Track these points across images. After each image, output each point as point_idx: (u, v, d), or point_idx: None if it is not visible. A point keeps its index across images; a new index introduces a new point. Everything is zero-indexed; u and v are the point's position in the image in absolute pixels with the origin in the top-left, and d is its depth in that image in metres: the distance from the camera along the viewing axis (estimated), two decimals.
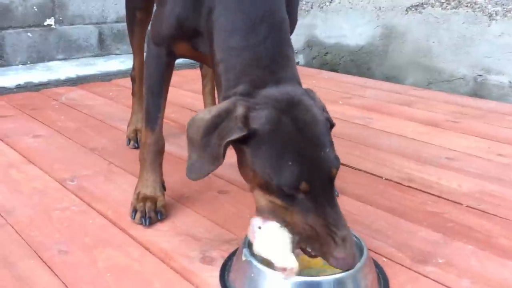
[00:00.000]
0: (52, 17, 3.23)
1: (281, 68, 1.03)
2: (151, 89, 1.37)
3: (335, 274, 0.99)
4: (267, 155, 0.94)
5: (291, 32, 1.35)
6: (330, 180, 0.94)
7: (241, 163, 1.01)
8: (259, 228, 0.98)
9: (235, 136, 0.95)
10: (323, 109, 1.04)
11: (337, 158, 0.97)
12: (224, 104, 0.99)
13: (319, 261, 1.11)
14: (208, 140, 0.97)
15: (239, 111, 0.95)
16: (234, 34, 1.06)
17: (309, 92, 1.04)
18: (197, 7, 1.15)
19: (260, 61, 1.03)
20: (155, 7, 1.87)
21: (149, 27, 1.90)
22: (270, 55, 1.03)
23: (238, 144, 0.97)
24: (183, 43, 1.25)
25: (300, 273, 0.98)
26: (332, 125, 1.03)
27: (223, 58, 1.07)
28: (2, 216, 1.36)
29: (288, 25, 1.12)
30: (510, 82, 2.65)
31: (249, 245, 1.07)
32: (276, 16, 1.08)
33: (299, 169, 0.92)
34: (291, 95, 0.98)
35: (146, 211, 1.32)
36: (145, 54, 1.54)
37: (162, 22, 1.26)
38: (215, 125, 0.97)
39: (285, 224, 0.96)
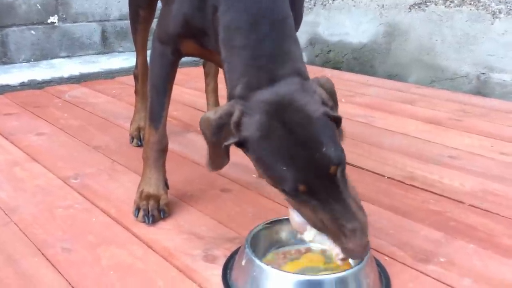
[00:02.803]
0: (56, 15, 3.23)
1: (280, 65, 1.01)
2: (155, 88, 1.37)
3: (337, 272, 1.00)
4: (261, 161, 0.96)
5: (297, 29, 1.35)
6: (329, 177, 0.94)
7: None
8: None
9: (229, 142, 0.97)
10: (325, 102, 0.98)
11: (337, 153, 0.95)
12: (226, 107, 1.00)
13: (321, 259, 1.12)
14: (217, 140, 0.99)
15: (234, 117, 0.96)
16: (236, 32, 1.06)
17: (311, 84, 1.00)
18: (203, 5, 1.15)
19: (257, 60, 1.02)
20: (158, 5, 1.89)
21: (152, 25, 1.92)
22: (268, 54, 1.02)
23: (238, 147, 0.98)
24: (190, 41, 1.25)
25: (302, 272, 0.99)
26: (336, 118, 0.99)
27: (227, 57, 1.07)
28: (6, 214, 1.36)
29: (292, 21, 1.11)
30: None
31: (251, 243, 1.08)
32: (279, 13, 1.07)
33: (293, 173, 0.92)
34: (282, 96, 0.96)
35: (149, 209, 1.33)
36: (148, 52, 1.54)
37: (169, 20, 1.26)
38: (220, 126, 0.98)
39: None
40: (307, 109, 0.95)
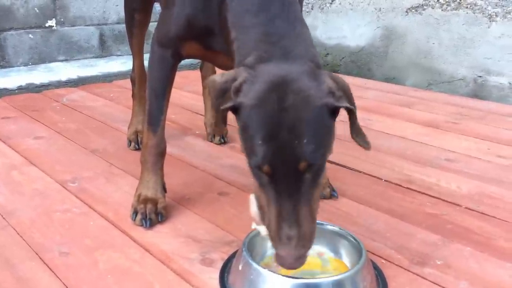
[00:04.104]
0: (54, 19, 3.24)
1: (293, 45, 1.00)
2: (154, 91, 1.37)
3: (334, 276, 1.00)
4: (245, 129, 0.93)
5: None
6: (296, 171, 0.89)
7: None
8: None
9: (226, 105, 0.94)
10: (332, 91, 0.93)
11: (314, 153, 0.89)
12: (232, 72, 0.98)
13: (318, 262, 1.12)
14: (220, 103, 0.97)
15: (236, 82, 0.95)
16: (246, 13, 1.06)
17: (322, 73, 0.96)
18: (207, 3, 1.15)
19: (269, 36, 1.01)
20: (153, 9, 1.90)
21: (148, 29, 1.93)
22: (280, 32, 1.01)
23: (233, 112, 0.96)
24: (193, 42, 1.25)
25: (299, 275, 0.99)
26: (335, 108, 0.94)
27: (236, 36, 1.06)
28: (3, 218, 1.36)
29: (299, 6, 1.11)
30: (510, 83, 2.65)
31: (249, 247, 1.08)
32: None
33: (264, 151, 0.88)
34: (289, 73, 0.93)
35: (147, 212, 1.33)
36: (145, 56, 1.55)
37: (170, 23, 1.26)
38: (224, 90, 0.97)
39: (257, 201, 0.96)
40: (309, 94, 0.91)
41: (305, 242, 0.90)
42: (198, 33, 1.21)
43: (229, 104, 0.94)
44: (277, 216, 0.90)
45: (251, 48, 1.01)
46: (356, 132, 1.02)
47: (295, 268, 0.91)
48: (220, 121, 1.00)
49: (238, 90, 0.94)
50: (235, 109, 0.94)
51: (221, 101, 0.97)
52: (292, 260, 0.89)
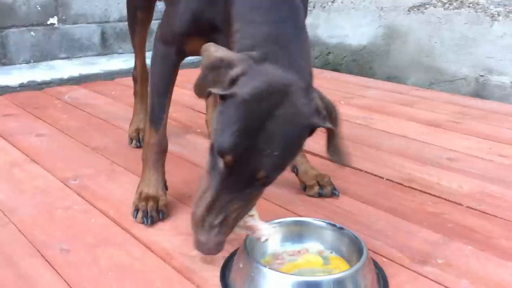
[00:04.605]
0: (55, 16, 3.24)
1: (298, 53, 1.00)
2: (156, 89, 1.37)
3: (335, 274, 1.00)
4: (228, 114, 0.92)
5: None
6: (251, 175, 0.91)
7: (214, 112, 0.99)
8: None
9: (216, 92, 0.93)
10: (319, 111, 0.95)
11: (275, 171, 0.92)
12: (231, 55, 0.96)
13: (319, 261, 1.12)
14: (206, 75, 0.97)
15: (233, 72, 0.92)
16: (256, 10, 1.03)
17: (311, 91, 0.97)
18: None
19: (278, 37, 0.99)
20: (155, 7, 1.90)
21: (151, 27, 1.93)
22: (288, 37, 1.00)
23: (221, 97, 0.95)
24: (198, 39, 1.23)
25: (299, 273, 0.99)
26: (313, 128, 0.95)
27: (241, 28, 1.04)
28: (5, 215, 1.37)
29: (303, 14, 1.11)
30: (511, 82, 2.65)
31: (249, 244, 1.08)
32: (295, 2, 1.06)
33: (237, 142, 0.89)
34: (290, 82, 0.93)
35: (148, 210, 1.33)
36: (147, 54, 1.55)
37: (174, 20, 1.26)
38: (216, 67, 0.95)
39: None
40: (299, 111, 0.92)
41: (226, 229, 0.94)
42: (203, 29, 1.21)
43: (220, 92, 0.93)
44: (209, 204, 0.92)
45: (257, 42, 0.99)
46: (335, 149, 1.02)
47: (213, 254, 0.96)
48: (203, 93, 0.98)
49: (234, 80, 0.92)
50: (225, 96, 0.93)
51: (207, 74, 0.96)
52: (211, 245, 0.93)
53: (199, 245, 0.94)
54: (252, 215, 1.04)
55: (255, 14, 1.03)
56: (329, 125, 0.96)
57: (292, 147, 0.94)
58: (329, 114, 0.97)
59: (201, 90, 0.99)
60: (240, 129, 0.89)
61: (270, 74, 0.93)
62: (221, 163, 0.91)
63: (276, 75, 0.93)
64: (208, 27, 1.19)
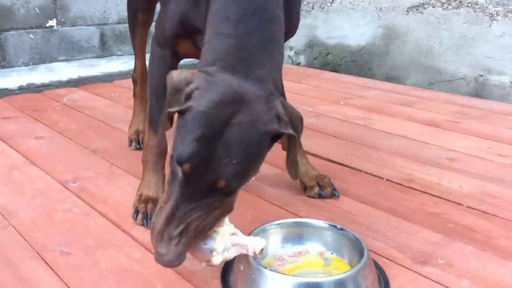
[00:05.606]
0: (54, 19, 3.24)
1: (259, 65, 1.00)
2: (154, 92, 1.37)
3: (336, 275, 1.00)
4: (185, 125, 0.92)
5: (293, 34, 1.34)
6: (212, 185, 0.90)
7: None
8: None
9: (173, 110, 0.95)
10: (280, 117, 0.95)
11: (236, 181, 0.92)
12: (189, 74, 0.98)
13: (320, 262, 1.12)
14: (170, 101, 0.98)
15: (188, 88, 0.94)
16: (225, 21, 1.04)
17: (276, 99, 0.97)
18: (198, 2, 1.16)
19: (240, 51, 1.00)
20: (156, 9, 1.90)
21: (151, 29, 1.92)
22: (251, 50, 1.01)
23: (179, 114, 0.96)
24: (187, 41, 1.25)
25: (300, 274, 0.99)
26: (278, 134, 0.95)
27: (209, 40, 1.06)
28: (4, 218, 1.36)
29: (281, 24, 1.10)
30: (511, 82, 2.65)
31: None
32: (269, 13, 1.06)
33: (194, 151, 0.89)
34: (245, 91, 0.94)
35: (148, 212, 1.33)
36: (147, 55, 1.55)
37: (165, 21, 1.27)
38: (176, 89, 0.97)
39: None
40: (256, 119, 0.92)
41: (186, 239, 0.91)
42: (190, 30, 1.21)
43: (176, 109, 0.94)
44: (169, 215, 0.91)
45: (219, 56, 1.00)
46: (290, 159, 1.01)
47: (174, 266, 0.92)
48: (166, 121, 0.99)
49: (188, 96, 0.94)
50: (182, 112, 0.94)
51: (171, 99, 0.97)
52: (170, 257, 0.90)
53: (158, 257, 0.91)
54: (234, 233, 1.01)
55: (223, 26, 1.04)
56: (290, 131, 0.95)
57: (253, 155, 0.93)
58: (292, 122, 0.97)
59: (170, 117, 1.00)
60: (197, 138, 0.89)
61: (225, 84, 0.94)
62: (180, 173, 0.91)
63: (231, 84, 0.95)
64: (194, 29, 1.20)
